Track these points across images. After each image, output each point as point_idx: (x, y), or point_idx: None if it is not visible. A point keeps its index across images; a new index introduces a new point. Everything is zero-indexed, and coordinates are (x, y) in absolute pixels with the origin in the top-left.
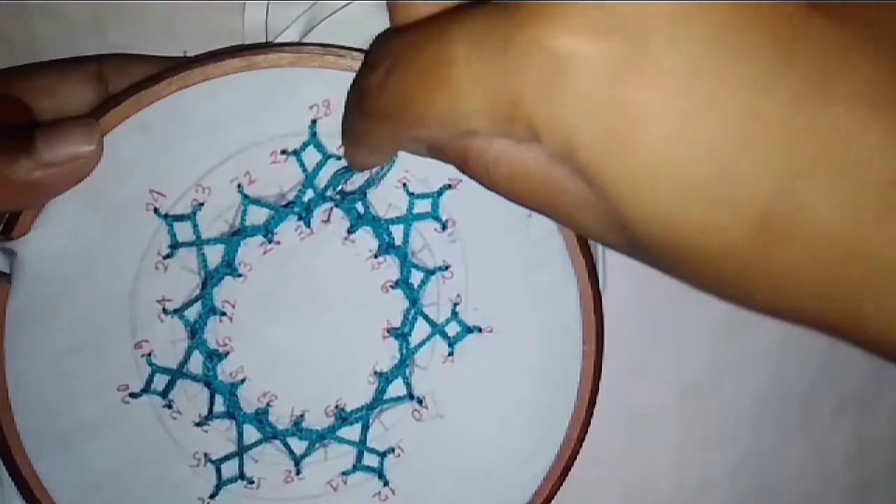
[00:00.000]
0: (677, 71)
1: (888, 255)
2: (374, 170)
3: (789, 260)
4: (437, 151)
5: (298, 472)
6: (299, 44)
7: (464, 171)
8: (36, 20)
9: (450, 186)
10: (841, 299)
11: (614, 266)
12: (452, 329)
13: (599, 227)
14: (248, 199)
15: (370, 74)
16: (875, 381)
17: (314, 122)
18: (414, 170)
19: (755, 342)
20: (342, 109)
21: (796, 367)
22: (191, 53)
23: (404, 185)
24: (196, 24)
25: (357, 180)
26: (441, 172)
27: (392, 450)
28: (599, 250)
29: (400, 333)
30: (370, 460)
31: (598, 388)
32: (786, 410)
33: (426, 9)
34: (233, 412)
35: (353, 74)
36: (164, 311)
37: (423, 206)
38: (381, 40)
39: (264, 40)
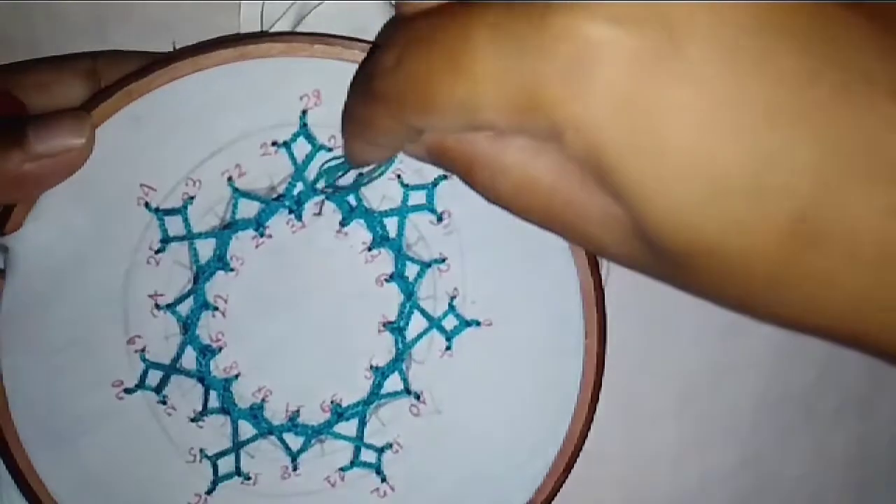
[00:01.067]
0: (713, 64)
1: None
2: (369, 168)
3: (825, 264)
4: (439, 156)
5: (295, 468)
6: (290, 33)
7: (466, 180)
8: (36, 20)
9: (445, 177)
10: (876, 306)
11: (616, 266)
12: (450, 323)
13: (612, 238)
14: (238, 193)
15: (382, 55)
16: (875, 381)
17: (304, 112)
18: (408, 160)
19: (755, 342)
20: (333, 100)
21: (796, 367)
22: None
23: (398, 176)
24: (196, 25)
25: (351, 176)
26: None
27: (390, 445)
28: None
29: (396, 327)
30: (368, 456)
31: (600, 384)
32: (786, 410)
33: None
34: (227, 408)
35: (344, 64)
36: (157, 306)
37: (417, 197)
38: (394, 25)
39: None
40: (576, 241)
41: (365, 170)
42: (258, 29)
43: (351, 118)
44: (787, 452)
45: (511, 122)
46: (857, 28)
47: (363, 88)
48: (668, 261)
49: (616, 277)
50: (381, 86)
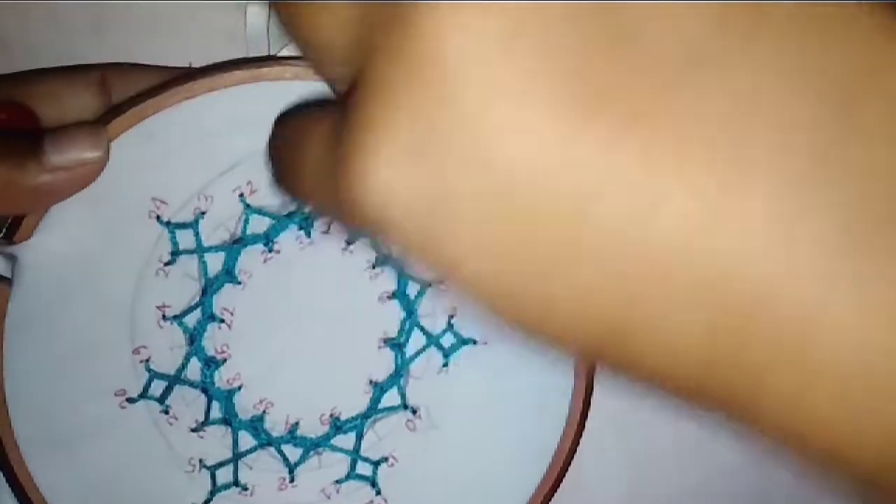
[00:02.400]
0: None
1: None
2: None
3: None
4: None
5: (292, 480)
6: (304, 57)
7: None
8: (35, 22)
9: None
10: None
11: None
12: (448, 340)
13: None
14: (249, 209)
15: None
16: None
17: None
18: None
19: None
20: None
21: None
22: (192, 55)
23: None
24: (196, 26)
25: None
26: None
27: (385, 459)
28: None
29: (396, 344)
30: (363, 469)
31: (589, 402)
32: None
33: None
34: (229, 419)
35: None
36: (164, 317)
37: None
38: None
39: (266, 41)
40: None
41: None
42: (262, 31)
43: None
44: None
45: None
46: None
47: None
48: None
49: None
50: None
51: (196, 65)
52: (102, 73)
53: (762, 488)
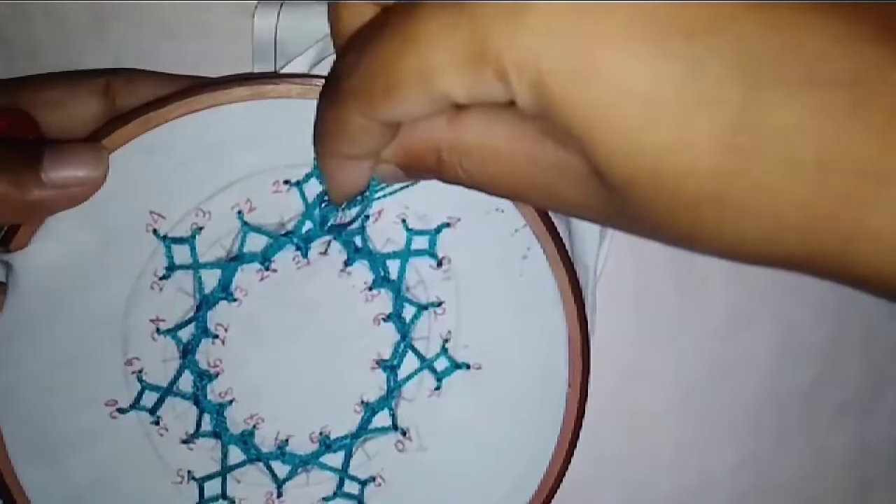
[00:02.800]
0: (628, 7)
1: (864, 154)
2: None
3: (766, 175)
4: (408, 162)
5: (280, 495)
6: (308, 75)
7: (439, 176)
8: (36, 21)
9: (448, 225)
10: (823, 217)
11: (616, 267)
12: (441, 364)
13: (573, 189)
14: (247, 227)
15: (343, 58)
16: (875, 381)
17: None
18: (413, 206)
19: (755, 342)
20: None
21: (796, 367)
22: (194, 56)
23: (403, 220)
24: (196, 26)
25: (349, 214)
26: (440, 210)
27: (373, 479)
28: (589, 292)
29: (389, 366)
30: (351, 488)
31: (579, 431)
32: (786, 410)
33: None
34: (219, 432)
35: None
36: (158, 330)
37: (420, 242)
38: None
39: (272, 44)
40: (545, 204)
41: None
42: (270, 43)
43: (324, 132)
44: (786, 452)
45: (464, 82)
46: None
47: (331, 93)
48: (622, 199)
49: (617, 277)
50: (346, 84)
51: (197, 65)
52: (107, 80)
53: (761, 488)
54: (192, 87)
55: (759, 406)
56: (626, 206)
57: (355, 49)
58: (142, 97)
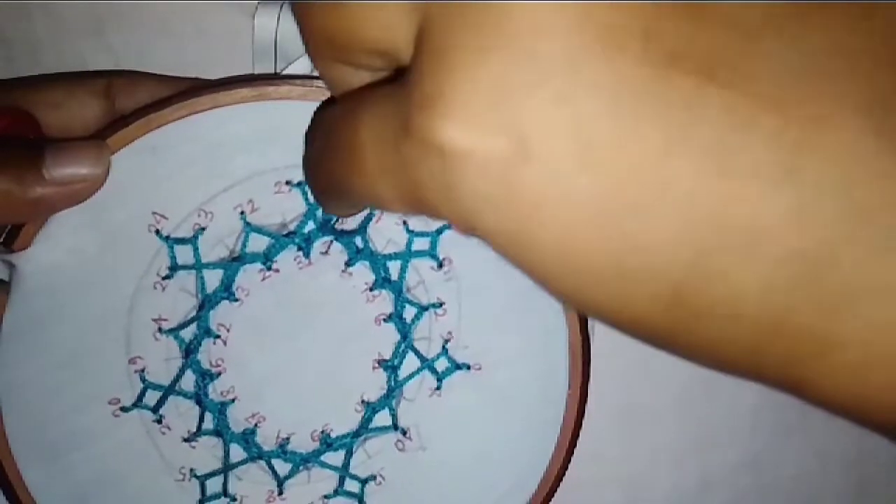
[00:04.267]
0: (566, 162)
1: (809, 322)
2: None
3: (712, 329)
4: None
5: (281, 493)
6: (310, 77)
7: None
8: (36, 21)
9: (449, 226)
10: (774, 364)
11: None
12: (441, 364)
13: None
14: (250, 227)
15: (308, 148)
16: None
17: None
18: None
19: None
20: None
21: None
22: (194, 56)
23: (404, 222)
24: (196, 26)
25: (351, 219)
26: None
27: (373, 477)
28: None
29: (390, 365)
30: (351, 486)
31: (578, 433)
32: (786, 410)
33: (358, 79)
34: (221, 430)
35: None
36: (160, 330)
37: (421, 243)
38: (321, 109)
39: (272, 45)
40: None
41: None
42: (270, 45)
43: (309, 184)
44: (786, 452)
45: (412, 213)
46: (717, 98)
47: (305, 172)
48: None
49: None
50: (312, 176)
51: (198, 66)
52: (107, 81)
53: (762, 488)
54: (194, 89)
55: (759, 406)
56: None
57: (318, 139)
58: (142, 99)
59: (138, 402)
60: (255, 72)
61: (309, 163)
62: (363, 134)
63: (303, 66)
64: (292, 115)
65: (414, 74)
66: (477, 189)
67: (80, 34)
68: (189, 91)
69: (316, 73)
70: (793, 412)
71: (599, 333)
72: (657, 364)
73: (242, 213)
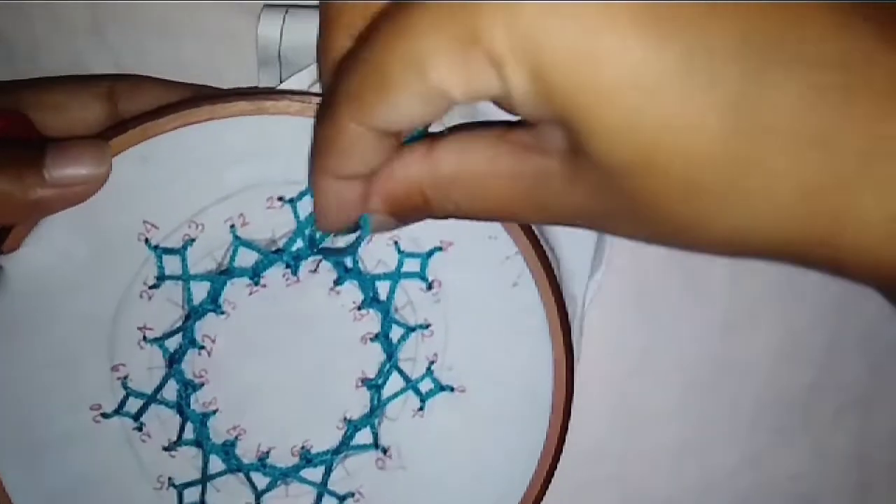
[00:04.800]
0: None
1: (854, 134)
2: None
3: (767, 157)
4: (397, 206)
5: None
6: (307, 93)
7: (431, 214)
8: (36, 21)
9: (440, 249)
10: (820, 195)
11: (617, 266)
12: (426, 385)
13: (562, 196)
14: (239, 241)
15: (335, 74)
16: (875, 381)
17: None
18: (406, 229)
19: (755, 342)
20: None
21: (796, 367)
22: (194, 56)
23: (395, 242)
24: (196, 26)
25: (340, 240)
26: (433, 234)
27: (352, 494)
28: (577, 323)
29: (373, 385)
30: (329, 502)
31: (559, 457)
32: (786, 410)
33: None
34: (201, 441)
35: None
36: (145, 338)
37: (411, 264)
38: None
39: (276, 51)
40: (537, 218)
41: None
42: (276, 43)
43: (317, 147)
44: (786, 452)
45: (458, 71)
46: None
47: (325, 106)
48: (615, 193)
49: (616, 277)
50: (339, 90)
51: (198, 66)
52: (110, 85)
53: (762, 488)
54: (192, 99)
55: (759, 406)
56: (619, 200)
57: (348, 59)
58: (145, 104)
59: (119, 410)
60: (261, 80)
61: (338, 80)
62: (414, 3)
63: (307, 76)
64: (289, 130)
65: None
66: (541, 7)
67: (80, 34)
68: (188, 101)
69: (314, 89)
70: (793, 412)
71: (599, 335)
72: (657, 364)
73: (233, 226)
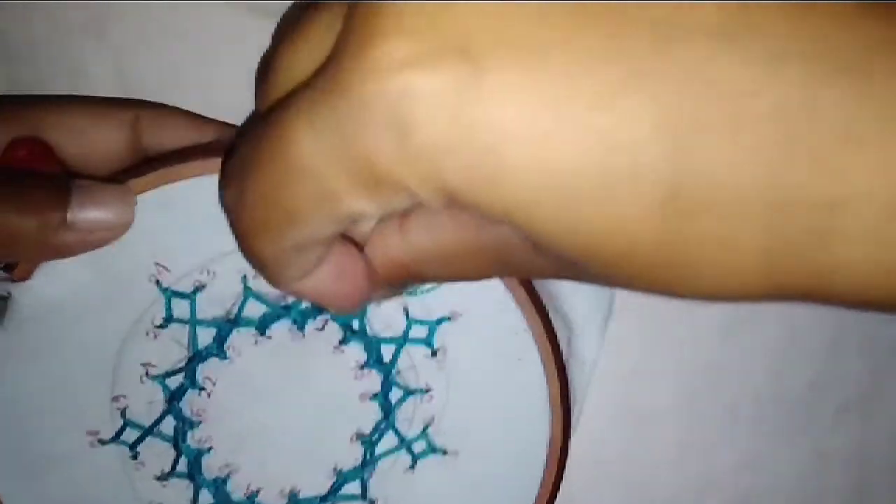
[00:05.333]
0: (521, 77)
1: (809, 185)
2: None
3: (714, 231)
4: (387, 282)
5: None
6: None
7: (423, 281)
8: (36, 21)
9: (449, 318)
10: (790, 254)
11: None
12: (419, 446)
13: (527, 255)
14: (250, 292)
15: (225, 195)
16: (875, 381)
17: None
18: (419, 297)
19: (755, 342)
20: None
21: (796, 367)
22: (194, 57)
23: (405, 309)
24: (196, 26)
25: None
26: (444, 303)
27: None
28: (582, 387)
29: (368, 441)
30: None
31: None
32: (786, 410)
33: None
34: (193, 475)
35: None
36: (147, 374)
37: (419, 331)
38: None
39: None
40: (510, 275)
41: None
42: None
43: (260, 270)
44: (786, 452)
45: (369, 202)
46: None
47: (233, 230)
48: (570, 265)
49: None
50: (241, 226)
51: (198, 67)
52: (136, 113)
53: (762, 488)
54: (215, 146)
55: (759, 406)
56: (574, 270)
57: (233, 182)
58: (169, 139)
59: (116, 438)
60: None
61: (228, 210)
62: (295, 128)
63: None
64: None
65: (334, 51)
66: (433, 129)
67: (80, 34)
68: (210, 147)
69: None
70: (793, 412)
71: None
72: (657, 364)
73: (244, 277)
